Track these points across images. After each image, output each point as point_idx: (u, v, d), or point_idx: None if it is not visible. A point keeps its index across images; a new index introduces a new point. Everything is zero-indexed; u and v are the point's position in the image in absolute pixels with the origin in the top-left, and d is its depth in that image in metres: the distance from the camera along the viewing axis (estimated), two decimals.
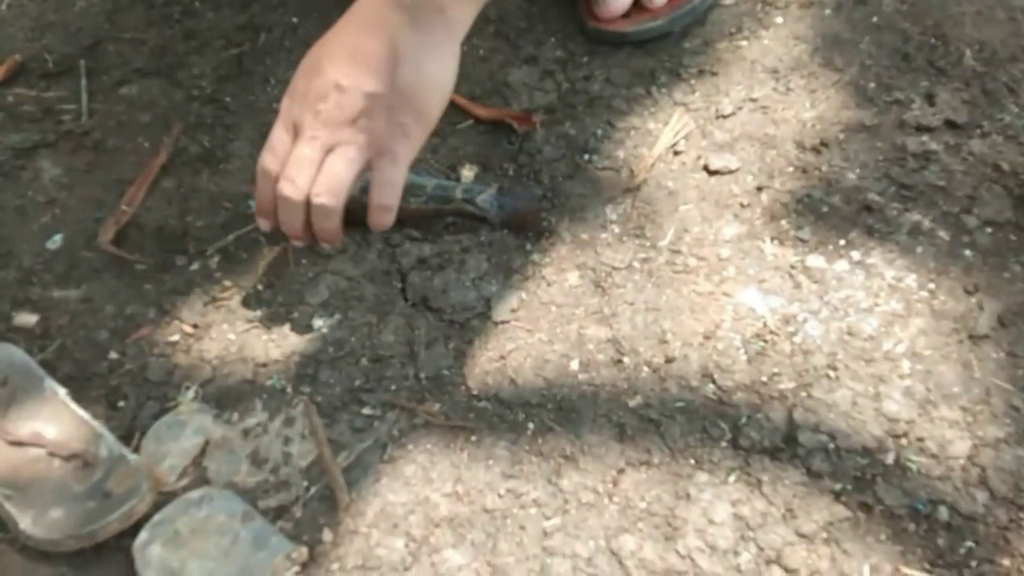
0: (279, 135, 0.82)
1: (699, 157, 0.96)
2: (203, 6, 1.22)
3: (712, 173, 0.95)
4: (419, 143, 0.82)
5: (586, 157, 0.98)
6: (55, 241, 0.97)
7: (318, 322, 0.90)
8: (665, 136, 0.98)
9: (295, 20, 1.18)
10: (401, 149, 0.80)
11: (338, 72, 0.77)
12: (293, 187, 0.80)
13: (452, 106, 1.04)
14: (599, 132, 1.00)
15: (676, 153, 0.97)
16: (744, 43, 1.05)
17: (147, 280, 0.93)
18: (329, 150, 0.79)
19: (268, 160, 0.82)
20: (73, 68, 1.16)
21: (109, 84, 1.13)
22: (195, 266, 0.94)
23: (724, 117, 0.99)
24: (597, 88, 1.04)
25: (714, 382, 0.82)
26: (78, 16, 1.23)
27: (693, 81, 1.03)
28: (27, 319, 0.91)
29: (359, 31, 0.79)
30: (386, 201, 0.82)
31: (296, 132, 0.80)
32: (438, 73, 0.79)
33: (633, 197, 0.94)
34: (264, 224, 0.86)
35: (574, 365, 0.84)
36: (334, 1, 1.19)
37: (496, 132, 1.02)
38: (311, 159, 0.79)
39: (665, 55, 1.06)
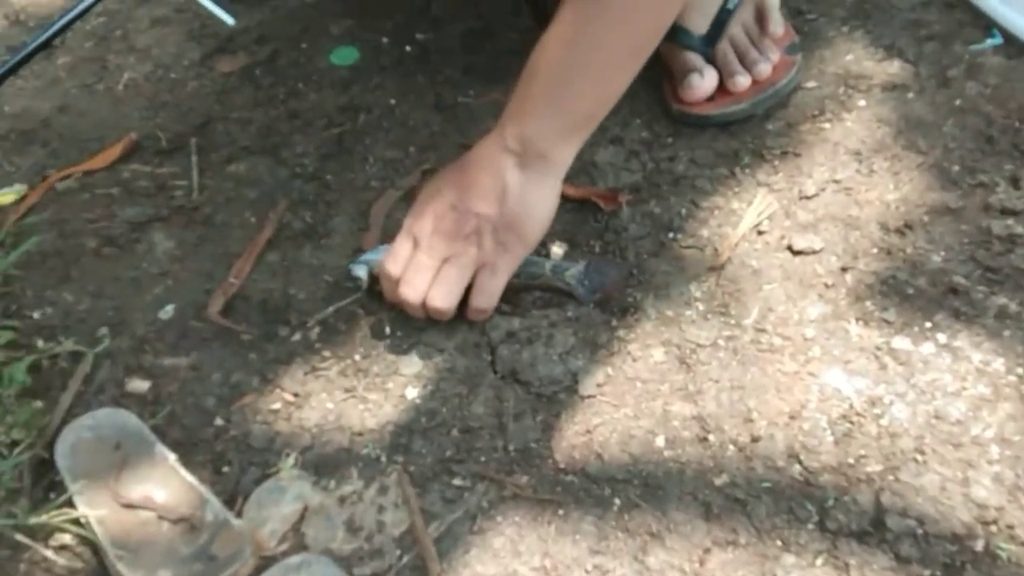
0: (402, 245, 0.94)
1: (783, 237, 0.97)
2: (306, 87, 1.28)
3: (796, 253, 0.95)
4: (519, 259, 0.94)
5: (671, 235, 1.00)
6: (167, 311, 1.02)
7: (411, 393, 0.92)
8: (749, 216, 0.99)
9: (392, 102, 1.23)
10: (502, 263, 0.93)
11: (456, 197, 0.91)
12: (413, 291, 0.92)
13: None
14: (684, 211, 1.02)
15: (760, 233, 0.98)
16: (827, 125, 1.06)
17: (252, 350, 0.97)
18: (444, 260, 0.91)
19: (390, 264, 0.93)
20: (185, 146, 1.22)
21: (218, 161, 1.19)
22: (297, 337, 0.98)
23: (807, 198, 1.00)
24: (682, 168, 1.06)
25: (800, 463, 0.81)
26: (190, 96, 1.30)
27: (776, 162, 1.04)
28: (139, 385, 0.95)
29: (475, 167, 0.93)
30: (483, 306, 0.94)
31: (416, 244, 0.92)
32: (540, 204, 0.93)
33: (717, 275, 0.96)
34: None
35: (659, 441, 0.85)
36: (430, 84, 1.25)
37: (583, 210, 1.05)
38: (429, 266, 0.91)
39: (748, 136, 1.07)
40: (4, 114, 1.32)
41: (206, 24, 1.43)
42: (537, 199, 0.92)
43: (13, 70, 1.28)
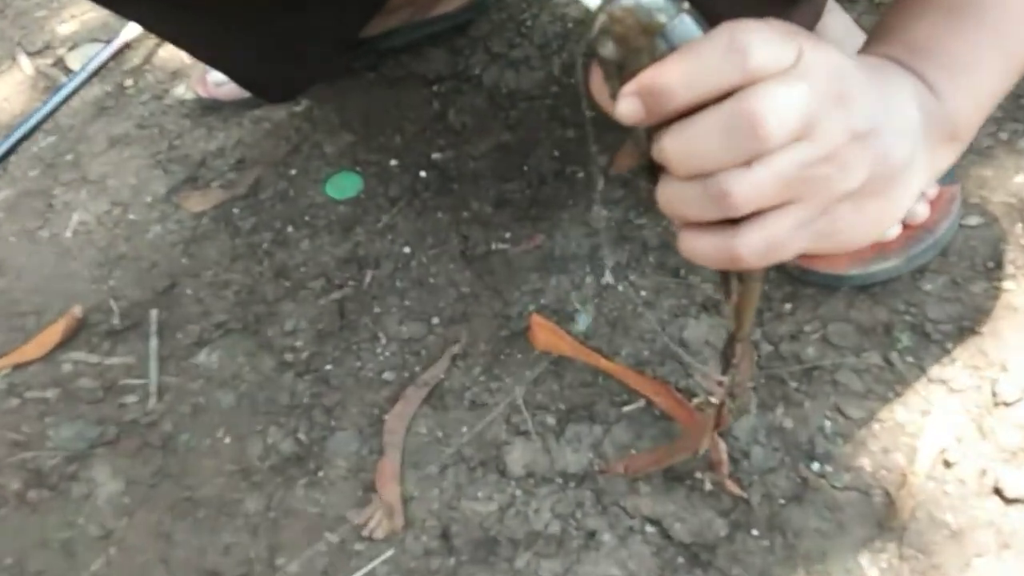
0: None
1: (984, 472, 0.64)
2: (297, 232, 0.96)
3: (1010, 501, 0.63)
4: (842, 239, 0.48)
5: (815, 467, 0.67)
6: None
7: None
8: (927, 437, 0.67)
9: (407, 250, 0.91)
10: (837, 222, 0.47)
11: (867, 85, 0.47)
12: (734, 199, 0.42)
13: (614, 379, 0.75)
14: (827, 426, 0.69)
15: (947, 464, 0.66)
16: (1010, 285, 0.74)
17: None
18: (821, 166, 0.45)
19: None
20: (142, 322, 0.91)
21: (184, 346, 0.87)
22: None
23: (1007, 405, 0.67)
24: (812, 352, 0.74)
25: None
26: (151, 247, 0.99)
27: (949, 344, 0.71)
28: None
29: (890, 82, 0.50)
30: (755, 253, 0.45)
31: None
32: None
33: (898, 540, 0.63)
34: None
35: None
36: (453, 223, 0.93)
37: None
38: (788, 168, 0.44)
39: (900, 302, 0.75)
40: None
41: (174, 145, 1.12)
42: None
43: None
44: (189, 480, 0.76)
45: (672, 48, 0.40)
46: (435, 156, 1.00)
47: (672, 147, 0.41)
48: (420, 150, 1.01)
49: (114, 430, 0.81)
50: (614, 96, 0.42)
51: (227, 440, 0.78)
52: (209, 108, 1.15)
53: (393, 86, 1.10)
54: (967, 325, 0.72)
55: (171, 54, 1.26)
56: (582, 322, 0.79)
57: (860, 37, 0.88)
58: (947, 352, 0.71)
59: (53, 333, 0.91)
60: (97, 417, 0.82)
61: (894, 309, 0.74)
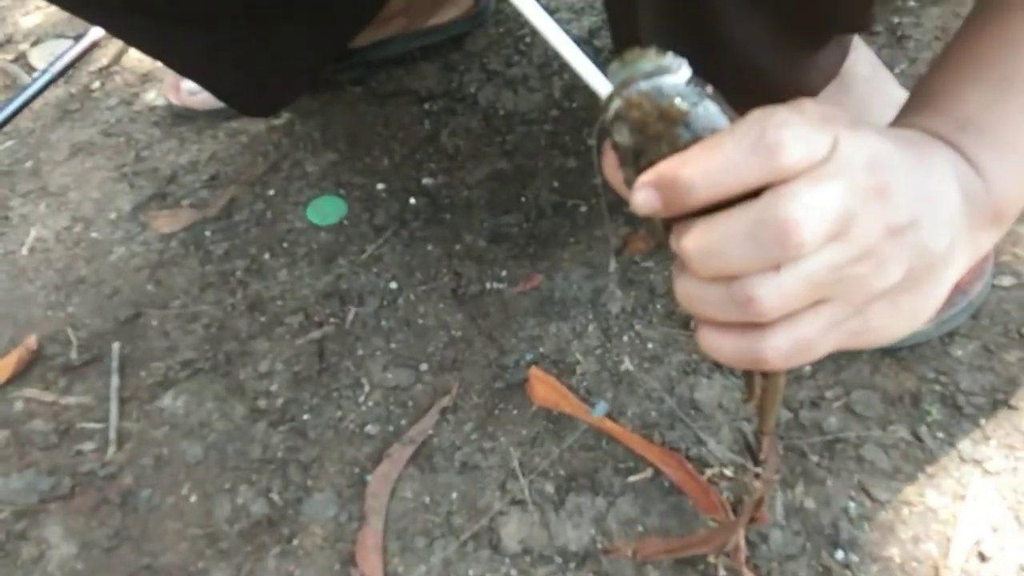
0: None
1: (1023, 568, 0.59)
2: (273, 260, 0.89)
3: None
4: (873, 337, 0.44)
5: (839, 556, 0.62)
6: None
7: None
8: (961, 525, 0.61)
9: (394, 286, 0.85)
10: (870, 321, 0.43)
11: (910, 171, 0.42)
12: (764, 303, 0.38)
13: (619, 444, 0.69)
14: (851, 508, 0.64)
15: (983, 558, 0.60)
16: None
17: None
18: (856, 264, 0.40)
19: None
20: (103, 355, 0.83)
21: (148, 386, 0.80)
22: None
23: None
24: (834, 423, 0.68)
25: None
26: (114, 270, 0.91)
27: (983, 420, 0.66)
28: None
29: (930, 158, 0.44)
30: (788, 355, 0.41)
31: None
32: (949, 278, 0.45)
33: None
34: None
35: None
36: (445, 257, 0.86)
37: (687, 500, 0.67)
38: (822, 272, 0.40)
39: (929, 370, 0.69)
40: None
41: (141, 156, 1.04)
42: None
43: None
44: (150, 545, 0.69)
45: (695, 138, 0.35)
46: (426, 181, 0.93)
47: (692, 247, 0.36)
48: (409, 174, 0.95)
49: (69, 482, 0.73)
50: (629, 183, 0.36)
51: (193, 499, 0.71)
52: (181, 117, 1.07)
53: (382, 102, 1.03)
54: (1001, 398, 0.67)
55: (143, 55, 1.18)
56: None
57: (885, 74, 0.83)
58: (980, 428, 0.66)
59: (5, 366, 0.83)
60: (50, 466, 0.75)
61: (923, 377, 0.69)
